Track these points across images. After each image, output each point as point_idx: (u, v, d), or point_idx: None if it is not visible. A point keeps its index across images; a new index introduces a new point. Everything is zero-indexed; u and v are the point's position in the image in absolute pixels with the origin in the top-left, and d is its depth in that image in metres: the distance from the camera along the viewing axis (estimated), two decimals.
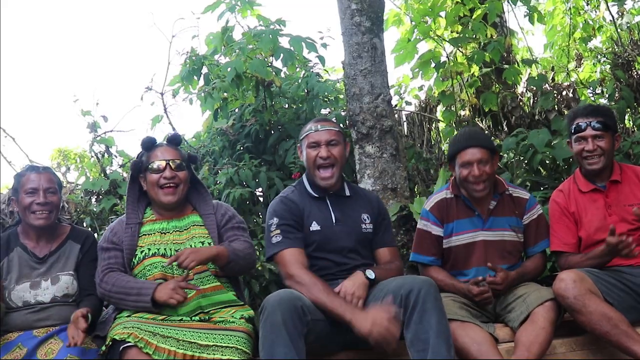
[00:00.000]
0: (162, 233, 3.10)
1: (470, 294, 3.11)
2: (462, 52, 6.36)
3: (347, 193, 3.22)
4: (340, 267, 3.07)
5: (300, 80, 5.99)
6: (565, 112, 5.77)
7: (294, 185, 3.25)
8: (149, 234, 3.09)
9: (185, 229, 3.13)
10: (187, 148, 6.01)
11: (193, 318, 2.88)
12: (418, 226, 3.40)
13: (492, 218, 3.28)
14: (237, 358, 2.67)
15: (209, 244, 3.07)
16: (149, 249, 3.03)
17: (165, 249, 3.04)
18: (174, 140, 3.26)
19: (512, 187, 3.41)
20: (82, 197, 5.73)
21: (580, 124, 3.25)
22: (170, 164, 3.09)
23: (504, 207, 3.30)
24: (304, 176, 3.26)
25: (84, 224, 5.40)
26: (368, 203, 3.25)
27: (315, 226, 3.09)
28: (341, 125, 5.58)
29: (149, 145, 3.16)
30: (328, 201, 3.16)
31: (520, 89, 6.66)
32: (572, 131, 3.29)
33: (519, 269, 3.26)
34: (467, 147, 3.23)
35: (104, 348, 2.73)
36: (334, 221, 3.13)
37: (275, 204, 3.15)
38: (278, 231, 3.02)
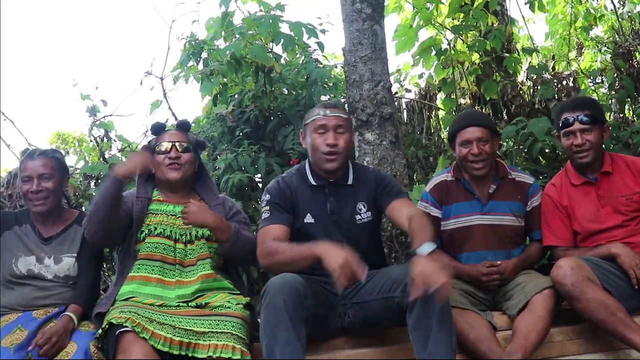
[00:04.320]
0: (168, 215, 3.13)
1: (479, 274, 3.13)
2: (462, 40, 6.35)
3: (350, 182, 3.11)
4: None
5: (300, 66, 5.98)
6: None
7: (296, 169, 3.19)
8: (155, 213, 3.12)
9: None
10: None
11: (190, 304, 2.90)
12: (417, 207, 3.40)
13: (491, 202, 3.27)
14: (233, 343, 2.68)
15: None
16: (155, 228, 3.07)
17: (171, 231, 3.08)
18: (183, 126, 3.35)
19: (515, 172, 3.39)
20: (81, 181, 5.74)
21: (567, 118, 3.24)
22: (176, 145, 3.18)
23: (506, 191, 3.29)
24: (306, 162, 3.18)
25: (83, 208, 5.40)
26: (367, 187, 3.11)
27: (309, 218, 3.03)
28: None
29: (158, 129, 3.27)
30: (327, 191, 3.08)
31: (521, 77, 6.65)
32: (560, 125, 3.28)
33: (522, 254, 3.27)
34: (468, 125, 3.26)
35: (100, 331, 2.74)
36: (329, 213, 3.05)
37: (271, 183, 3.14)
38: (267, 207, 3.02)
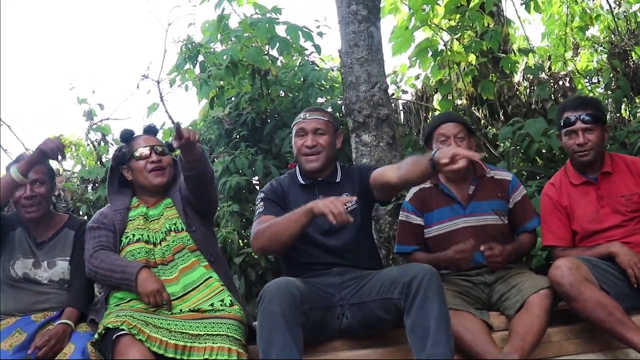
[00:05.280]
0: (145, 219, 3.13)
1: (452, 258, 3.09)
2: (459, 41, 6.35)
3: (338, 179, 3.17)
4: (328, 250, 3.04)
5: (296, 69, 5.99)
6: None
7: (289, 173, 3.29)
8: (132, 219, 3.14)
9: (160, 215, 3.17)
10: None
11: (184, 310, 2.89)
12: (399, 218, 3.41)
13: (472, 203, 3.26)
14: (228, 345, 2.68)
15: (180, 222, 3.11)
16: (134, 235, 3.07)
17: (148, 235, 3.08)
18: (152, 130, 3.33)
19: (494, 169, 3.39)
20: (78, 185, 5.74)
21: (569, 117, 3.23)
22: (155, 149, 3.17)
23: (486, 191, 3.28)
24: (297, 165, 3.25)
25: (80, 212, 5.40)
26: (352, 181, 3.16)
27: None
28: (338, 114, 5.60)
29: (128, 136, 3.24)
30: (316, 189, 3.12)
31: (517, 78, 6.65)
32: (562, 124, 3.27)
33: (514, 243, 3.27)
34: (444, 122, 3.29)
35: (96, 336, 2.74)
36: None
37: (265, 185, 3.26)
38: (262, 203, 3.11)
